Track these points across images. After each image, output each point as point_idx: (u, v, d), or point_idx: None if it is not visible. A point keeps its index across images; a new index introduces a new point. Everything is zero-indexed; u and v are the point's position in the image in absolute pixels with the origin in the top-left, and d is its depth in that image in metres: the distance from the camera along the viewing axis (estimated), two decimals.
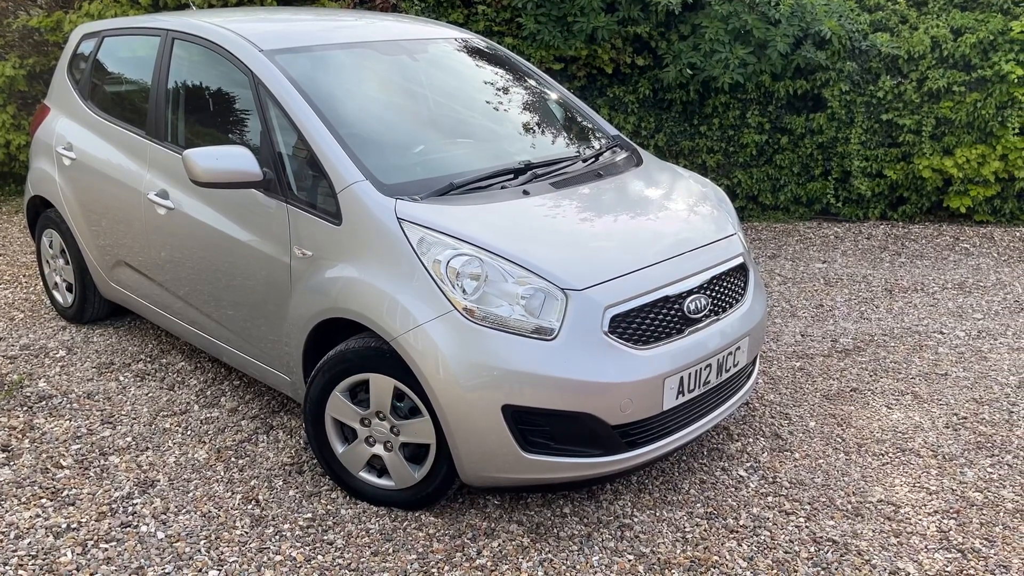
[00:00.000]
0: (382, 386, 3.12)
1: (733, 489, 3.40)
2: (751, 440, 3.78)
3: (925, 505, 3.30)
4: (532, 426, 2.95)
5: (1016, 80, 6.63)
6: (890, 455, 3.66)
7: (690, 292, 3.21)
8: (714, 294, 3.32)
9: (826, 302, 5.56)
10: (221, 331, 3.89)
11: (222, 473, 3.49)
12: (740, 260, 3.54)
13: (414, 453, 3.20)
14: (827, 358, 4.67)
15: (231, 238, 3.63)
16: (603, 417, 2.95)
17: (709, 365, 3.23)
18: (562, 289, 2.96)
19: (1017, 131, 6.76)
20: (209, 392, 4.18)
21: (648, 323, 3.07)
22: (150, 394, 4.15)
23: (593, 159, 3.87)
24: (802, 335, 5.00)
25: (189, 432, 3.81)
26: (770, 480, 3.46)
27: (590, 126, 4.28)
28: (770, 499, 3.33)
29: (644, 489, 3.41)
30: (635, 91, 7.24)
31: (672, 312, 3.14)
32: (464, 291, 2.94)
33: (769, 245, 6.79)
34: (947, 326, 5.13)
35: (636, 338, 3.03)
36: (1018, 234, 6.95)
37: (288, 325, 3.43)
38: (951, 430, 3.87)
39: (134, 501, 3.29)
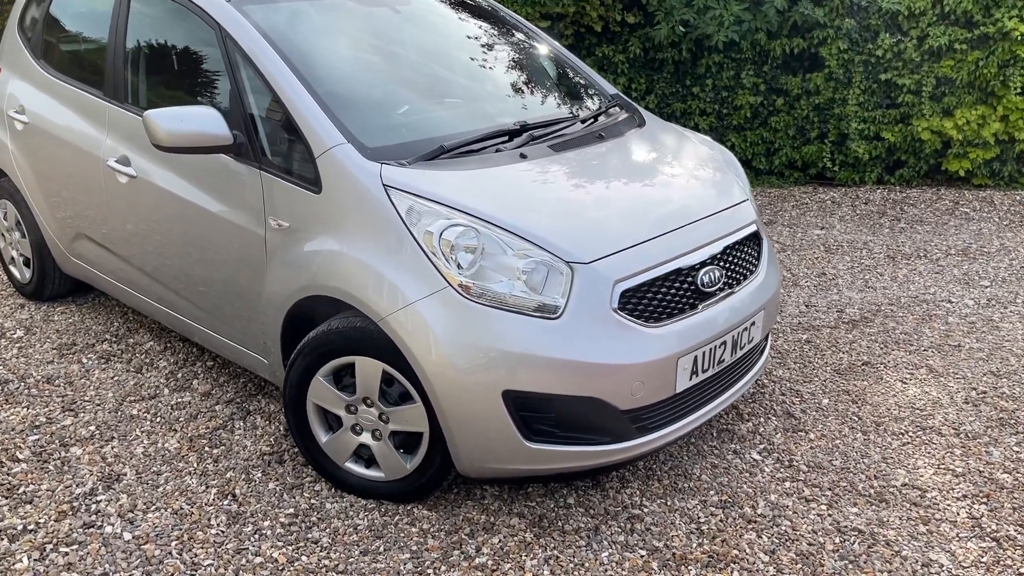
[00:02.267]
0: (369, 370, 2.85)
1: (748, 474, 3.17)
2: (762, 420, 3.55)
3: (952, 489, 3.09)
4: (535, 412, 2.69)
5: (1020, 37, 6.38)
6: (910, 434, 3.44)
7: (703, 264, 2.95)
8: (728, 265, 3.07)
9: (828, 270, 5.33)
10: (192, 309, 3.59)
11: (195, 464, 3.21)
12: (753, 228, 3.28)
13: (405, 442, 2.93)
14: (834, 330, 4.44)
15: (199, 208, 3.31)
16: (612, 402, 2.70)
17: (724, 342, 2.98)
18: (567, 262, 2.69)
19: (1019, 91, 6.53)
20: (180, 374, 3.88)
21: (660, 298, 2.81)
22: (116, 378, 3.85)
23: (592, 119, 3.58)
24: (807, 305, 4.77)
25: (159, 419, 3.52)
26: (786, 464, 3.23)
27: (588, 84, 3.98)
28: (788, 485, 3.11)
29: (652, 476, 3.17)
30: (625, 50, 6.93)
31: (685, 286, 2.88)
32: (459, 265, 2.66)
33: (765, 211, 6.55)
34: (955, 294, 4.92)
35: (647, 315, 2.77)
36: (1018, 197, 6.75)
37: (264, 303, 3.14)
38: (971, 406, 3.66)
39: (98, 498, 3.00)
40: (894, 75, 6.72)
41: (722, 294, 3.00)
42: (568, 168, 3.13)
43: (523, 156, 3.09)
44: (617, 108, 3.82)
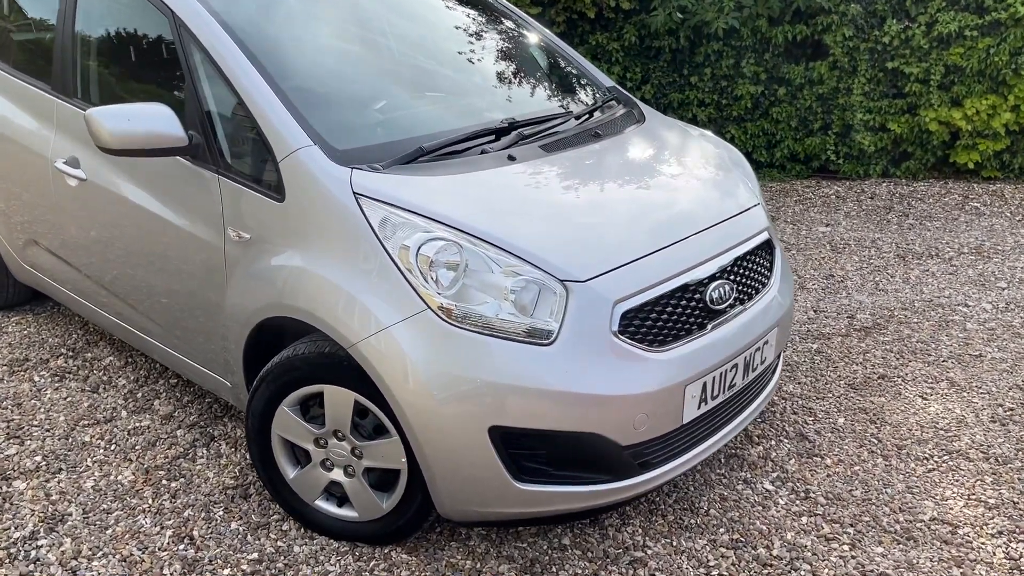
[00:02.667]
0: (339, 400, 2.54)
1: (760, 508, 2.88)
2: (774, 443, 3.26)
3: (986, 524, 2.80)
4: (525, 450, 2.39)
5: None
6: (935, 459, 3.16)
7: (712, 278, 2.65)
8: (739, 279, 2.76)
9: (836, 271, 5.04)
10: (150, 325, 3.27)
11: (150, 501, 2.90)
12: (765, 236, 2.98)
13: (381, 479, 2.63)
14: (846, 338, 4.15)
15: (155, 216, 2.99)
16: (613, 437, 2.40)
17: (735, 365, 2.68)
18: (561, 281, 2.38)
19: None
20: (140, 394, 3.56)
21: (665, 319, 2.51)
22: (70, 398, 3.53)
23: (587, 115, 3.26)
24: (815, 311, 4.48)
25: (113, 447, 3.21)
26: (802, 495, 2.94)
27: (582, 76, 3.66)
28: (805, 520, 2.82)
29: (656, 510, 2.88)
30: (620, 38, 6.60)
31: (693, 304, 2.58)
32: (439, 284, 2.35)
33: (766, 206, 6.24)
34: (971, 297, 4.64)
35: (651, 338, 2.47)
36: None
37: (225, 322, 2.82)
38: (999, 425, 3.38)
39: (38, 543, 2.70)
40: (901, 63, 6.41)
41: (733, 311, 2.70)
42: (561, 171, 2.81)
43: (511, 158, 2.78)
44: (614, 102, 3.51)
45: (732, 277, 2.73)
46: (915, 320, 4.35)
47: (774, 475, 3.05)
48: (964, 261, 5.20)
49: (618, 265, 2.47)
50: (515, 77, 3.45)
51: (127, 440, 3.24)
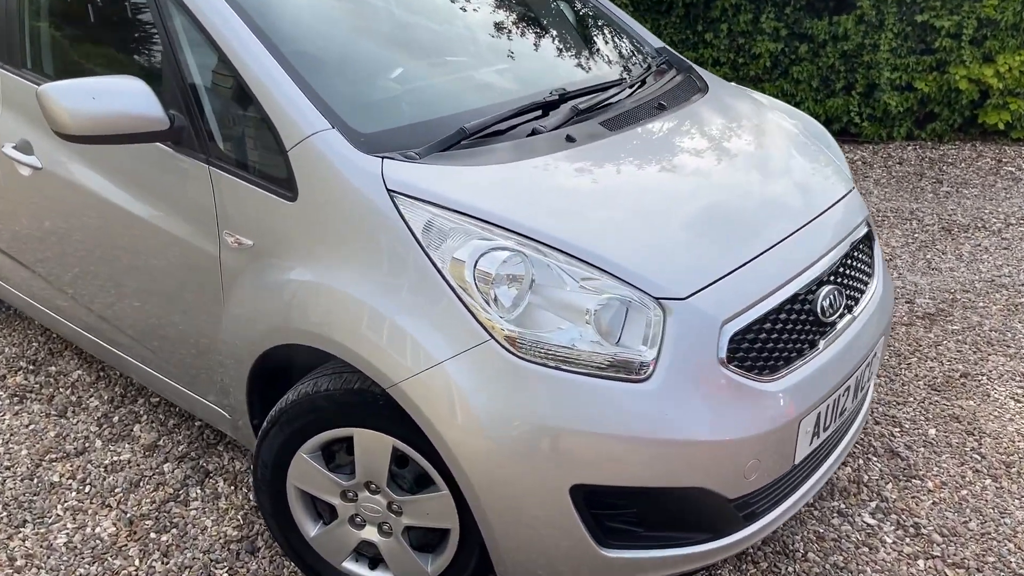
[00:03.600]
0: (374, 447, 2.05)
1: (866, 549, 2.45)
2: (862, 462, 2.82)
3: None
4: (612, 509, 1.92)
5: None
6: None
7: (820, 283, 2.18)
8: (846, 281, 2.30)
9: (882, 248, 4.60)
10: (127, 342, 2.74)
11: (137, 562, 2.40)
12: (866, 227, 2.51)
13: (424, 538, 2.15)
14: (910, 327, 3.72)
15: (128, 214, 2.45)
16: (719, 490, 1.94)
17: (848, 387, 2.23)
18: (657, 299, 1.89)
19: None
20: (117, 418, 3.04)
21: (775, 339, 2.03)
22: (32, 425, 3.00)
23: (641, 83, 2.75)
24: None
25: (88, 488, 2.69)
26: (911, 530, 2.51)
27: (627, 34, 3.14)
28: (923, 565, 2.39)
29: (744, 557, 2.43)
30: None
31: (803, 317, 2.11)
32: (500, 306, 1.85)
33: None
34: None
35: (761, 364, 2.00)
36: None
37: (223, 348, 2.31)
38: None
39: None
40: (931, 16, 5.93)
41: (843, 321, 2.24)
42: (630, 154, 2.31)
43: (570, 139, 2.27)
44: (666, 66, 3.00)
45: (840, 280, 2.26)
46: (981, 304, 3.93)
47: (873, 504, 2.62)
48: (1015, 233, 4.78)
49: (720, 276, 1.99)
50: (554, 39, 2.91)
51: (104, 479, 2.73)
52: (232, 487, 2.70)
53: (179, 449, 2.87)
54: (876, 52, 6.04)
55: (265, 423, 2.17)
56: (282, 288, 2.09)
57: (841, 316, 2.23)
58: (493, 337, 1.84)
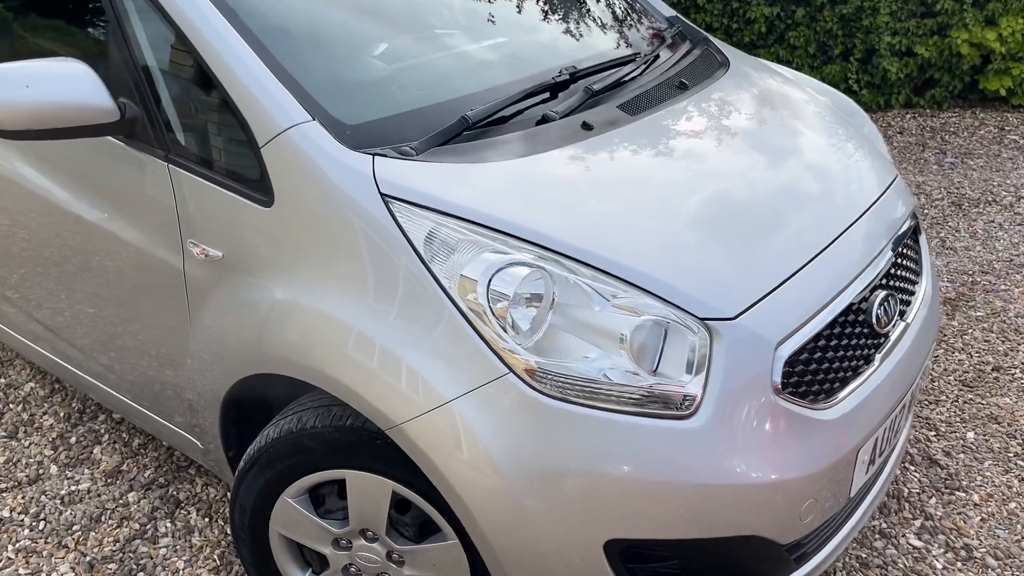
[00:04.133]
0: (370, 490, 1.76)
1: None
2: (900, 472, 2.58)
3: None
4: (651, 562, 1.66)
5: None
6: None
7: (872, 289, 1.91)
8: (897, 284, 2.03)
9: None
10: (83, 359, 2.42)
11: None
12: (913, 218, 2.25)
13: None
14: None
15: (78, 219, 2.13)
16: (773, 537, 1.68)
17: (904, 404, 1.97)
18: (702, 320, 1.62)
19: None
20: (74, 438, 2.73)
21: (831, 358, 1.77)
22: None
23: (653, 58, 2.45)
24: None
25: (43, 524, 2.39)
26: (962, 553, 2.28)
27: (635, 1, 2.83)
28: None
29: None
30: None
31: (859, 330, 1.84)
32: (518, 331, 1.57)
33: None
34: None
35: (815, 389, 1.73)
36: None
37: (192, 375, 2.00)
38: None
39: None
40: None
41: (898, 331, 1.97)
42: (655, 145, 2.01)
43: (587, 127, 1.97)
44: (680, 37, 2.70)
45: (891, 283, 2.00)
46: (1003, 287, 3.70)
47: (917, 523, 2.38)
48: None
49: (770, 289, 1.71)
50: (556, 8, 2.60)
51: (61, 514, 2.42)
52: (206, 519, 2.41)
53: (145, 475, 2.57)
54: (875, 16, 5.76)
55: (242, 463, 1.88)
56: (257, 309, 1.79)
57: (895, 324, 1.97)
58: (511, 370, 1.55)
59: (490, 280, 1.57)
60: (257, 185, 1.77)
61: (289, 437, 1.79)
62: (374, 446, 1.71)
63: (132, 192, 1.98)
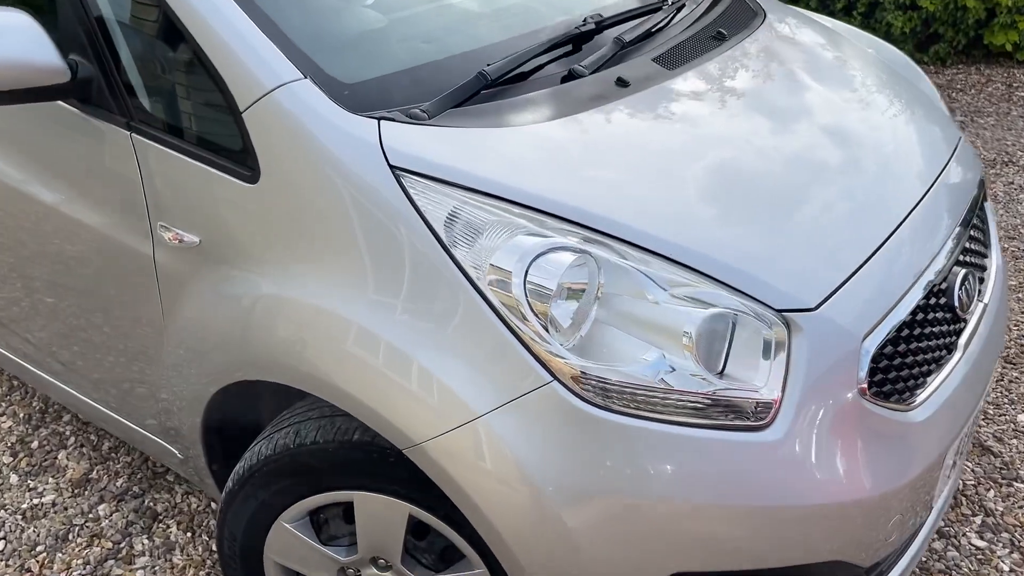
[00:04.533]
0: (383, 515, 1.51)
1: None
2: None
3: None
4: None
5: None
6: None
7: (951, 267, 1.66)
8: (973, 259, 1.79)
9: None
10: (44, 359, 2.13)
11: None
12: (981, 185, 2.00)
13: None
14: None
15: (28, 198, 1.83)
16: (856, 560, 1.44)
17: (987, 394, 1.74)
18: (779, 311, 1.36)
19: None
20: (36, 442, 2.44)
21: (915, 350, 1.52)
22: None
23: (681, 4, 2.16)
24: None
25: (3, 545, 2.11)
26: None
27: None
28: None
29: None
30: None
31: (941, 315, 1.60)
32: (559, 330, 1.30)
33: None
34: None
35: (901, 388, 1.49)
36: None
37: (169, 379, 1.73)
38: None
39: None
40: None
41: (977, 313, 1.73)
42: (702, 104, 1.74)
43: (623, 83, 1.69)
44: None
45: (969, 259, 1.76)
46: None
47: (978, 521, 2.17)
48: None
49: (850, 273, 1.46)
50: None
51: (23, 532, 2.15)
52: (188, 534, 2.14)
53: (117, 484, 2.29)
54: None
55: (230, 483, 1.62)
56: (243, 305, 1.51)
57: (975, 304, 1.73)
58: (555, 376, 1.29)
59: (527, 269, 1.30)
60: (239, 157, 1.48)
61: (286, 454, 1.52)
62: (387, 464, 1.45)
63: (90, 167, 1.68)
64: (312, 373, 1.41)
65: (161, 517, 2.19)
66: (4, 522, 2.17)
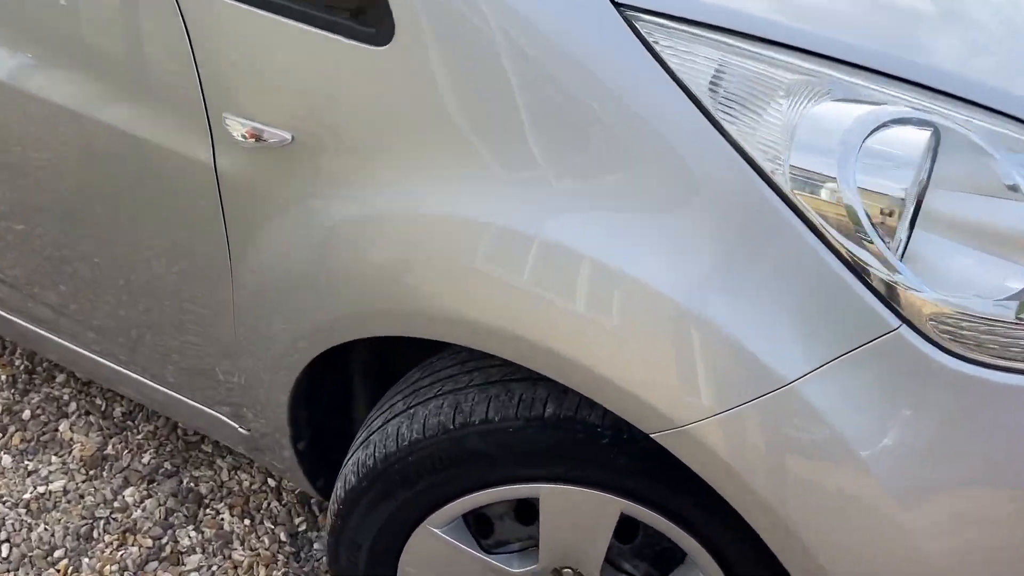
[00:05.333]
0: (583, 512, 1.08)
1: None
2: None
3: None
4: None
5: None
6: None
7: None
8: None
9: None
10: (71, 326, 1.61)
11: None
12: None
13: None
14: None
15: (38, 101, 1.28)
16: None
17: None
18: None
19: None
20: (28, 411, 1.94)
21: None
22: None
23: None
24: None
25: (6, 552, 1.64)
26: None
27: None
28: None
29: None
30: None
31: None
32: (902, 246, 0.85)
33: None
34: None
35: None
36: None
37: (240, 336, 1.24)
38: None
39: None
40: None
41: None
42: None
43: None
44: None
45: None
46: None
47: None
48: None
49: None
50: None
51: (31, 530, 1.67)
52: (246, 520, 1.69)
53: (143, 460, 1.82)
54: None
55: (352, 477, 1.16)
56: (365, 231, 1.03)
57: None
58: (905, 320, 0.84)
59: (856, 152, 0.84)
60: (358, 5, 0.97)
61: (444, 438, 1.06)
62: (597, 447, 1.01)
63: (118, 28, 1.15)
64: (506, 328, 0.95)
65: (207, 501, 1.74)
66: (4, 519, 1.69)
